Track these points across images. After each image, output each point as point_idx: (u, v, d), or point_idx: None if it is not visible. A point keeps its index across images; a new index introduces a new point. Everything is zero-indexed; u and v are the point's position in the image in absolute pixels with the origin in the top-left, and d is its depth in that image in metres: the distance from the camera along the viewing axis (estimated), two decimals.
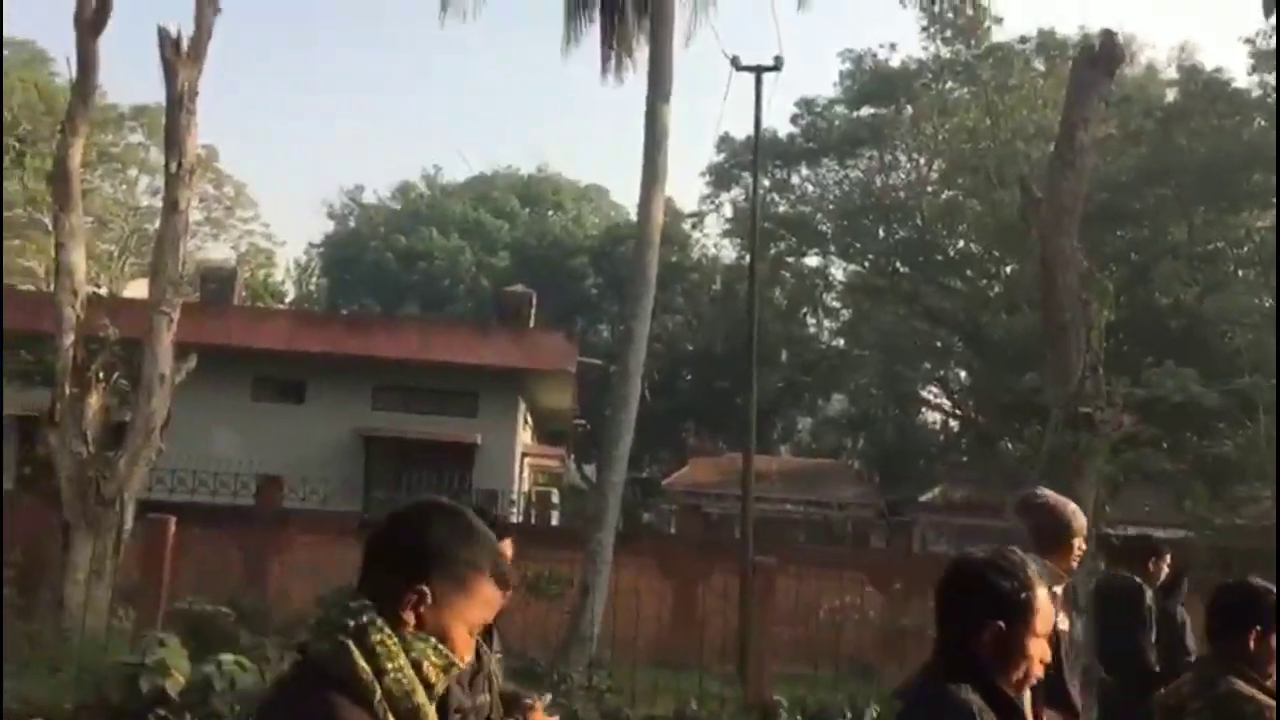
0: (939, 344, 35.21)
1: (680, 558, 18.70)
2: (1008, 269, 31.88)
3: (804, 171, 36.06)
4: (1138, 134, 28.61)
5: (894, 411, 38.97)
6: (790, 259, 36.47)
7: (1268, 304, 27.40)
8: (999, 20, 31.92)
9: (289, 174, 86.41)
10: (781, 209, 35.78)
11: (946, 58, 32.22)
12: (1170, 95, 31.12)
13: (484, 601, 2.06)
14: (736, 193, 36.27)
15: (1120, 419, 15.85)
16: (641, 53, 17.72)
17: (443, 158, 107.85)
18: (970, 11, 31.59)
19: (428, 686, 1.96)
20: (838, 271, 37.75)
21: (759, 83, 19.36)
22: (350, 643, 1.91)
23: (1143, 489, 25.94)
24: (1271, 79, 29.40)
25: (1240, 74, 29.90)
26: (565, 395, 26.91)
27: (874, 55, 34.01)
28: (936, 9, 31.75)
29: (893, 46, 33.91)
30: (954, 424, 38.23)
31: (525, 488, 26.83)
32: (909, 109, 33.14)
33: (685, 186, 78.95)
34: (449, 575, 2.01)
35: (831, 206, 35.62)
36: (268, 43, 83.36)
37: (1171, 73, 32.25)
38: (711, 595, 16.84)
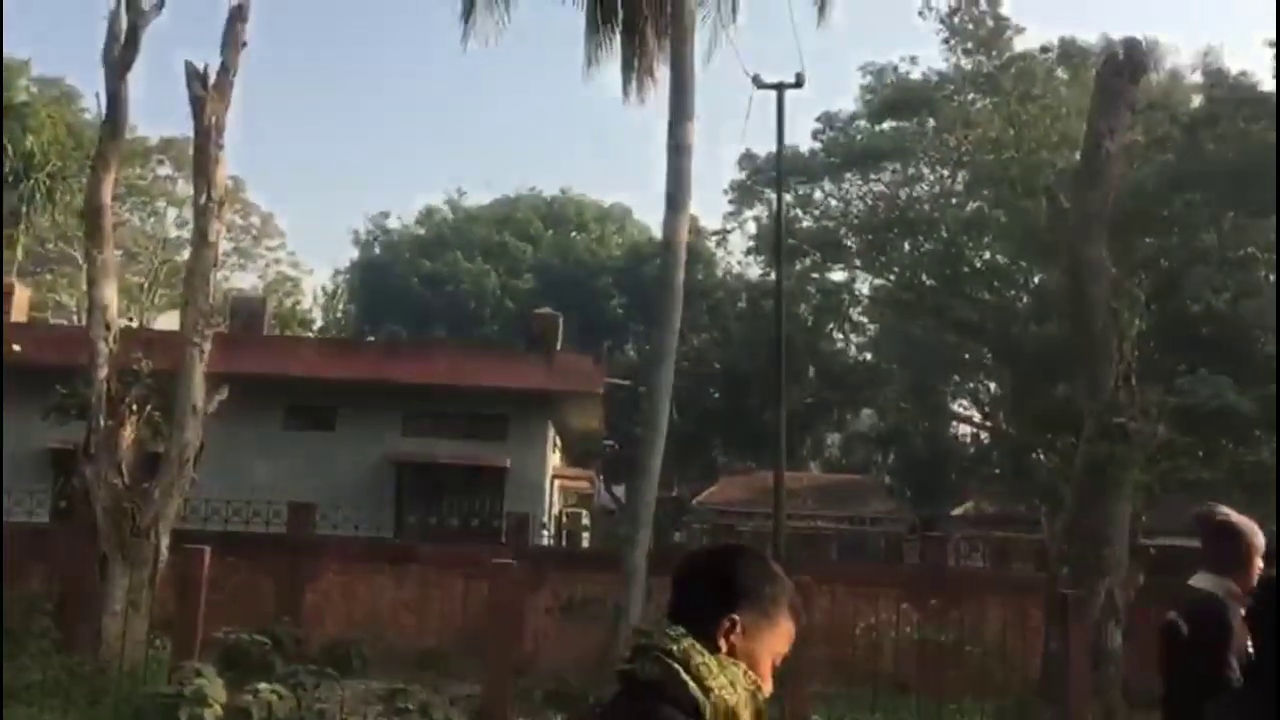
0: (968, 356, 35.01)
1: None
2: (1036, 279, 31.67)
3: (827, 186, 36.00)
4: (1164, 140, 28.41)
5: (924, 425, 38.73)
6: (815, 274, 36.39)
7: None
8: (1020, 30, 31.88)
9: (314, 202, 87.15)
10: (805, 224, 35.73)
11: (968, 69, 32.16)
12: (1196, 101, 30.91)
13: (784, 634, 2.31)
14: (760, 209, 36.28)
15: (1155, 428, 15.74)
16: (662, 72, 17.76)
17: (466, 181, 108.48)
18: (991, 23, 31.53)
19: None
20: (864, 286, 37.65)
21: (781, 99, 19.39)
22: (677, 665, 2.17)
23: (1180, 499, 25.62)
24: None
25: (1267, 77, 29.70)
26: (594, 417, 26.91)
27: (895, 69, 34.02)
28: (957, 21, 31.71)
29: (913, 59, 33.98)
30: (985, 437, 37.96)
31: (556, 510, 26.83)
32: (931, 121, 33.06)
33: (709, 204, 79.17)
34: (757, 609, 2.27)
35: (856, 221, 35.52)
36: (289, 71, 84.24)
37: (1196, 78, 32.06)
38: None
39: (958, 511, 36.52)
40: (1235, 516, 4.93)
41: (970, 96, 32.54)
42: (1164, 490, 23.06)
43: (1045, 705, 13.49)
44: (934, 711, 13.01)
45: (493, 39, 18.22)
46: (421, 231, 56.66)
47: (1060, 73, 31.63)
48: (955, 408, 38.64)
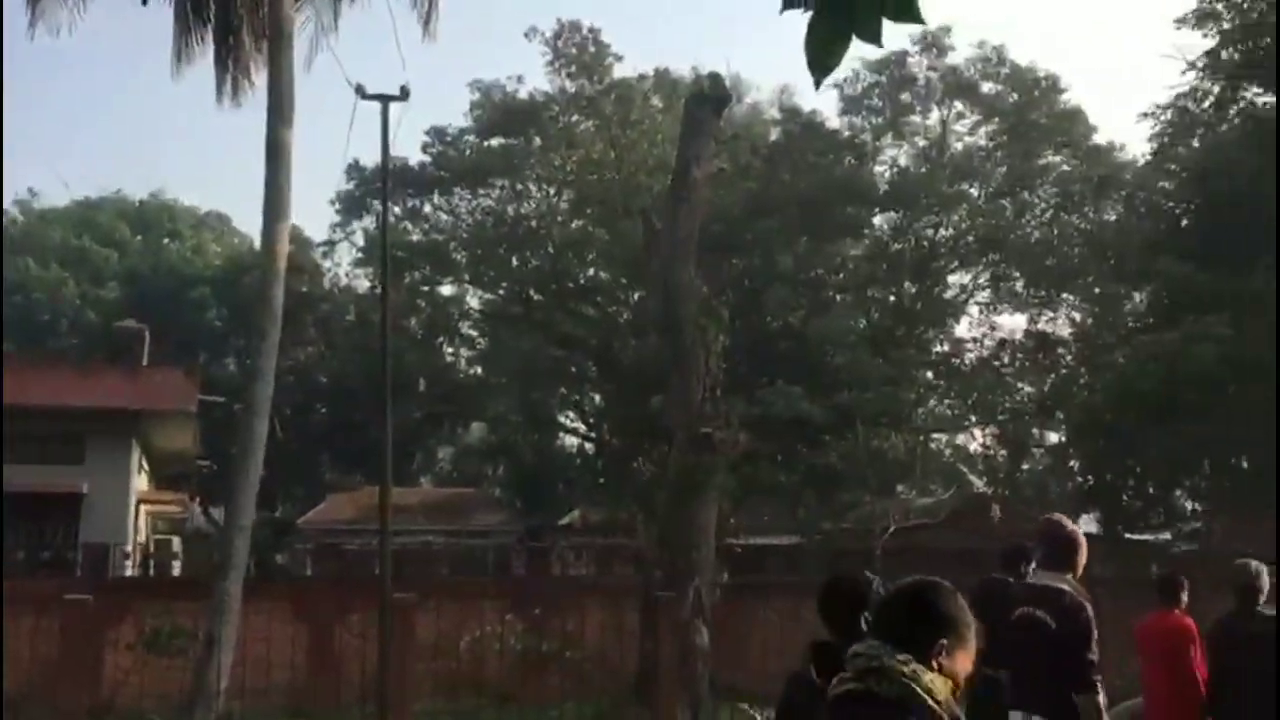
0: (574, 370, 36.13)
1: (315, 599, 18.01)
2: (635, 296, 33.21)
3: (436, 200, 35.95)
4: (747, 169, 30.74)
5: (533, 437, 39.54)
6: (426, 288, 36.23)
7: (862, 324, 30.24)
8: (619, 58, 33.35)
9: None
10: (415, 238, 35.51)
11: (571, 92, 33.26)
12: (774, 134, 33.71)
13: (973, 653, 2.80)
14: (368, 221, 35.63)
15: (737, 437, 16.96)
16: (261, 76, 17.02)
17: (39, 181, 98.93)
18: (592, 49, 32.79)
19: None
20: (473, 300, 37.91)
21: (385, 112, 19.12)
22: (913, 684, 2.66)
23: (762, 501, 27.79)
24: (859, 120, 32.63)
25: (833, 116, 32.94)
26: (186, 436, 25.27)
27: (503, 87, 34.55)
28: (560, 45, 32.72)
29: (520, 79, 34.59)
30: (590, 448, 39.32)
31: (142, 537, 24.90)
32: (538, 140, 33.87)
33: (315, 215, 76.70)
34: (957, 635, 2.76)
35: (465, 235, 35.72)
36: None
37: (775, 113, 34.95)
38: (349, 636, 16.35)
39: (565, 521, 37.56)
40: (1073, 526, 5.86)
41: (574, 118, 33.66)
42: (749, 493, 24.93)
43: (640, 703, 14.14)
44: (535, 719, 13.29)
45: (66, 30, 16.70)
46: None
47: (655, 100, 33.43)
48: (562, 419, 39.72)
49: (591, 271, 35.17)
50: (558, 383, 36.42)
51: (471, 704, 13.22)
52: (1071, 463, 30.26)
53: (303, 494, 41.20)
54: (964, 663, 2.78)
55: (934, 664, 2.71)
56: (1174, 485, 27.74)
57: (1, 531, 14.81)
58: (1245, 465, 24.73)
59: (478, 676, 14.54)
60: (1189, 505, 28.54)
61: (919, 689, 2.65)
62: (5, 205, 52.24)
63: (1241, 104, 26.03)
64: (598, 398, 37.38)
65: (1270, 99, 24.37)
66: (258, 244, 21.99)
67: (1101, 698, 5.33)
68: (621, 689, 14.49)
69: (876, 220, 32.35)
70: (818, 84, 2.40)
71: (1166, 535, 27.24)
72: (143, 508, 25.96)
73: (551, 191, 35.62)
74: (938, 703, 2.65)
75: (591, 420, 37.92)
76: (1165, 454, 24.39)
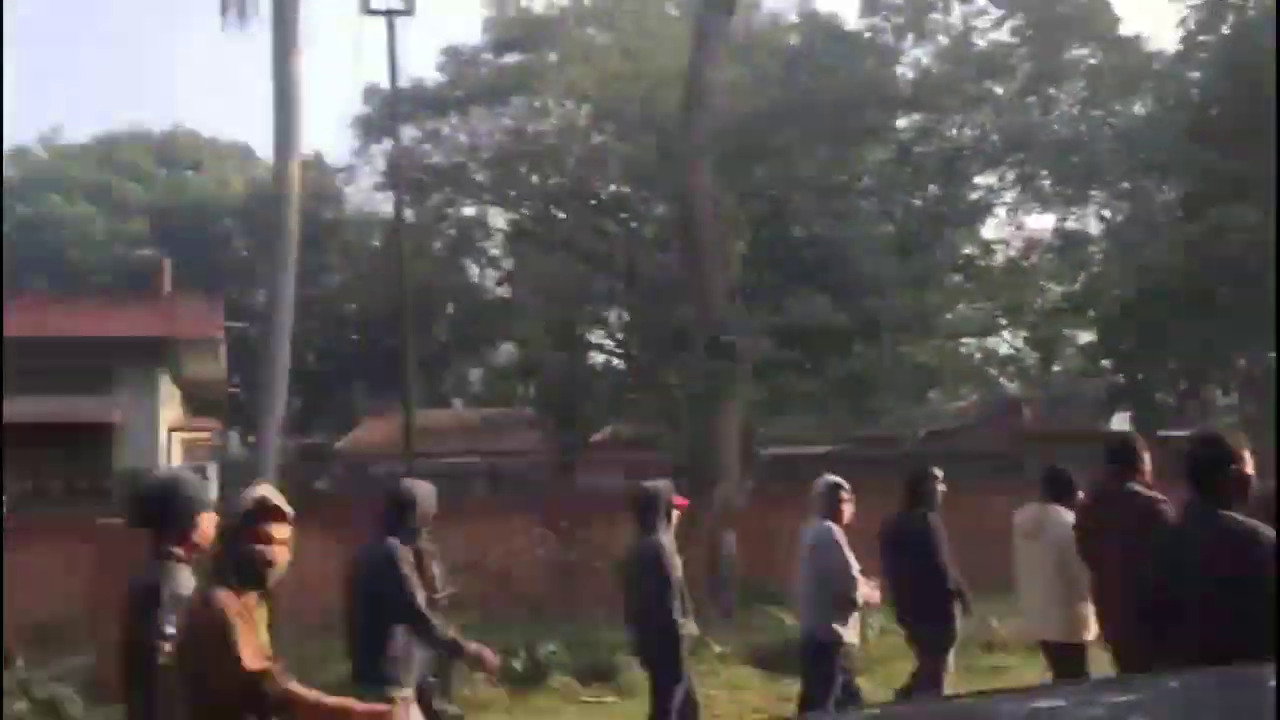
0: (599, 286, 35.94)
1: (347, 520, 18.20)
2: (658, 209, 32.87)
3: (455, 120, 35.55)
4: (766, 76, 30.16)
5: (561, 356, 39.53)
6: (449, 209, 36.04)
7: (890, 229, 29.84)
8: None
9: None
10: (435, 159, 35.21)
11: (587, 4, 32.63)
12: (794, 39, 33.00)
13: None
14: (387, 144, 35.35)
15: (759, 344, 16.87)
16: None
17: (58, 118, 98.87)
18: None
19: None
20: (498, 220, 37.69)
21: (391, 27, 18.89)
22: None
23: (794, 410, 27.74)
24: (880, 21, 31.90)
25: (852, 17, 32.19)
26: (213, 363, 25.45)
27: (517, 1, 33.96)
28: None
29: None
30: (619, 363, 39.29)
31: (179, 465, 25.24)
32: (554, 55, 33.33)
33: (336, 139, 76.30)
34: None
35: (485, 155, 35.37)
36: None
37: (794, 19, 34.19)
38: None
39: (597, 437, 37.74)
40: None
41: (590, 30, 33.07)
42: (776, 403, 24.87)
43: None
44: (571, 629, 13.42)
45: None
46: (11, 173, 51.13)
47: (671, 9, 32.76)
48: (591, 338, 39.60)
49: (613, 186, 34.80)
50: (584, 299, 36.27)
51: (503, 617, 13.35)
52: (1103, 361, 29.93)
53: (336, 422, 41.59)
54: None
55: None
56: (1205, 378, 27.41)
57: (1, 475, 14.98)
58: (1276, 355, 24.42)
59: (506, 589, 14.68)
60: (1222, 398, 28.26)
61: None
62: (29, 143, 52.50)
63: None
64: (625, 313, 37.23)
65: None
66: None
67: None
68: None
69: (900, 123, 31.73)
70: None
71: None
72: (175, 436, 26.28)
73: (570, 106, 35.11)
74: None
75: (619, 336, 37.85)
76: (1197, 347, 24.05)
